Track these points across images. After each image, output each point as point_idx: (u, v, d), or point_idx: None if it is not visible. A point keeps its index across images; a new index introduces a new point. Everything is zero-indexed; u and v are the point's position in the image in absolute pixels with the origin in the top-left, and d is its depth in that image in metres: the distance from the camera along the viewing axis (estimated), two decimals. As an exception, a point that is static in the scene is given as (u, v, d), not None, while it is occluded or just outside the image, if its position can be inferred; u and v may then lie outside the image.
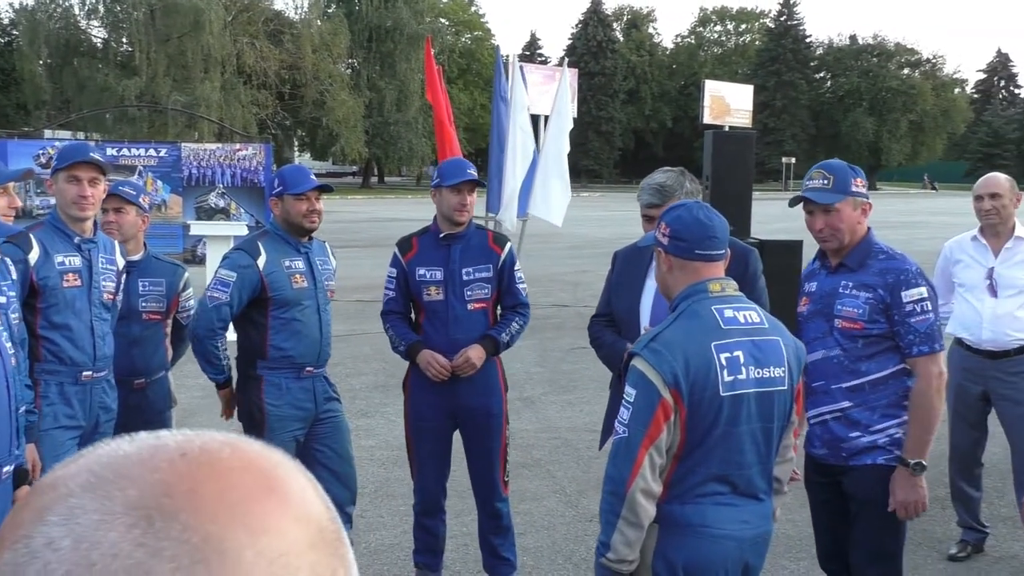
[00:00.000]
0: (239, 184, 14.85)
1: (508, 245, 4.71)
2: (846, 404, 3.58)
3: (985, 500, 5.56)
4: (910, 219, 33.82)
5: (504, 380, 4.72)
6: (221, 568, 0.55)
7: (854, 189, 3.60)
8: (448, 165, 4.68)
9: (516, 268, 4.70)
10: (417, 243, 4.63)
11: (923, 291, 3.52)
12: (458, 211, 4.50)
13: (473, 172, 4.60)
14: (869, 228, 3.68)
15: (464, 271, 4.53)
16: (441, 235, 4.56)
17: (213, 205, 14.86)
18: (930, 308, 3.52)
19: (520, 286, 4.70)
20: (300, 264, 4.46)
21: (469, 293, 4.54)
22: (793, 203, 3.74)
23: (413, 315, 4.69)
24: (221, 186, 14.84)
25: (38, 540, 0.55)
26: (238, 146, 15.53)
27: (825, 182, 3.62)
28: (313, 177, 4.49)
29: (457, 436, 4.70)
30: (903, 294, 3.50)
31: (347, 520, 4.67)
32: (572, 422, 7.76)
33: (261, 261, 4.36)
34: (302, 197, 4.39)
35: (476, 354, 4.47)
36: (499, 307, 4.72)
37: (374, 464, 6.66)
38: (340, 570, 0.63)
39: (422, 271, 4.55)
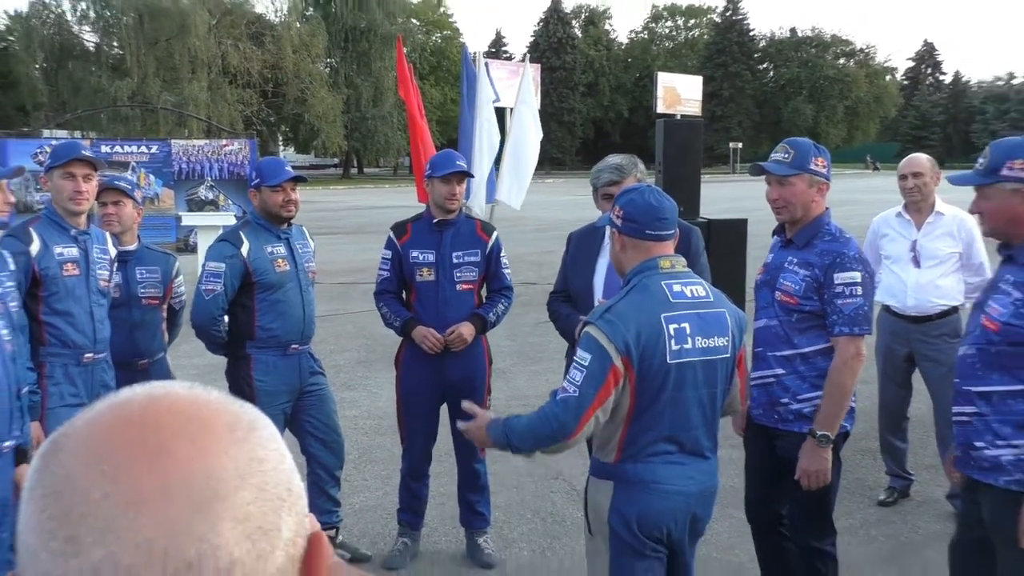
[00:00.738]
0: (226, 177, 14.79)
1: (495, 234, 4.73)
2: (780, 371, 3.52)
3: (910, 451, 5.65)
4: (847, 196, 33.96)
5: (489, 355, 4.77)
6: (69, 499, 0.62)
7: (812, 167, 3.50)
8: (438, 157, 4.67)
9: (502, 255, 4.73)
10: (411, 228, 4.64)
11: (856, 276, 3.39)
12: (448, 200, 4.52)
13: (462, 164, 4.61)
14: (827, 209, 3.58)
15: (454, 255, 4.55)
16: (434, 221, 4.58)
17: (203, 197, 14.79)
18: (860, 293, 3.39)
19: (505, 271, 4.73)
20: (281, 249, 4.47)
21: (458, 275, 4.56)
22: (752, 171, 3.68)
23: (405, 295, 4.69)
24: (210, 179, 14.78)
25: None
26: (225, 142, 15.44)
27: (786, 156, 3.53)
28: (289, 168, 4.48)
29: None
30: (836, 275, 3.39)
31: (336, 483, 4.71)
32: (539, 390, 7.79)
33: (245, 249, 4.36)
34: (278, 188, 4.38)
35: (467, 330, 4.51)
36: (485, 289, 4.73)
37: (358, 432, 6.67)
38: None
39: (415, 253, 4.56)
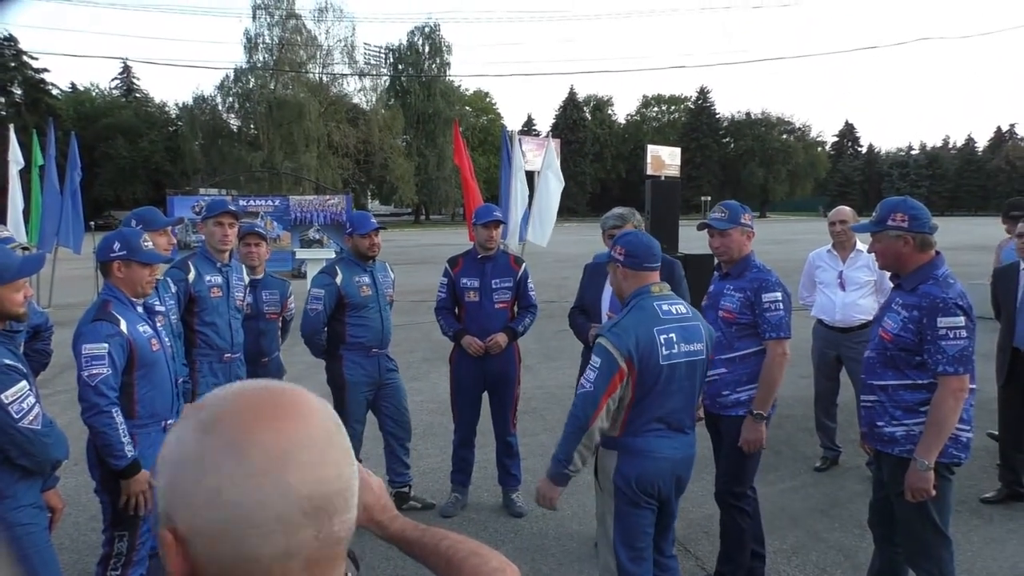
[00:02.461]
0: (329, 223, 14.90)
1: (524, 265, 4.69)
2: (723, 370, 3.49)
3: (839, 429, 5.53)
4: (790, 237, 33.65)
5: (519, 356, 4.73)
6: (238, 457, 0.66)
7: (742, 221, 3.52)
8: (481, 209, 4.64)
9: (529, 281, 4.68)
10: (462, 261, 4.61)
11: (777, 295, 3.39)
12: (487, 241, 4.50)
13: (498, 214, 4.57)
14: (752, 251, 3.58)
15: (494, 281, 4.52)
16: (479, 256, 4.55)
17: (311, 238, 14.91)
18: (782, 308, 3.39)
19: (531, 293, 4.68)
20: (366, 279, 4.46)
21: (496, 296, 4.53)
22: (699, 227, 3.67)
23: (456, 311, 4.67)
24: (317, 225, 14.91)
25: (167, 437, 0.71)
26: (328, 197, 15.58)
27: (722, 214, 3.55)
28: (373, 221, 4.47)
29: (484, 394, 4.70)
30: (763, 296, 3.39)
31: (407, 452, 4.68)
32: (558, 381, 7.74)
33: (339, 279, 4.38)
34: (365, 235, 4.39)
35: (502, 339, 4.49)
36: (516, 306, 4.71)
37: (423, 412, 6.63)
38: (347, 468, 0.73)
39: (465, 280, 4.53)
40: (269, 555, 0.65)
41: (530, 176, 11.31)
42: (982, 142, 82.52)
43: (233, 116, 47.90)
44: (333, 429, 0.72)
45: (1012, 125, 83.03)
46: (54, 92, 51.03)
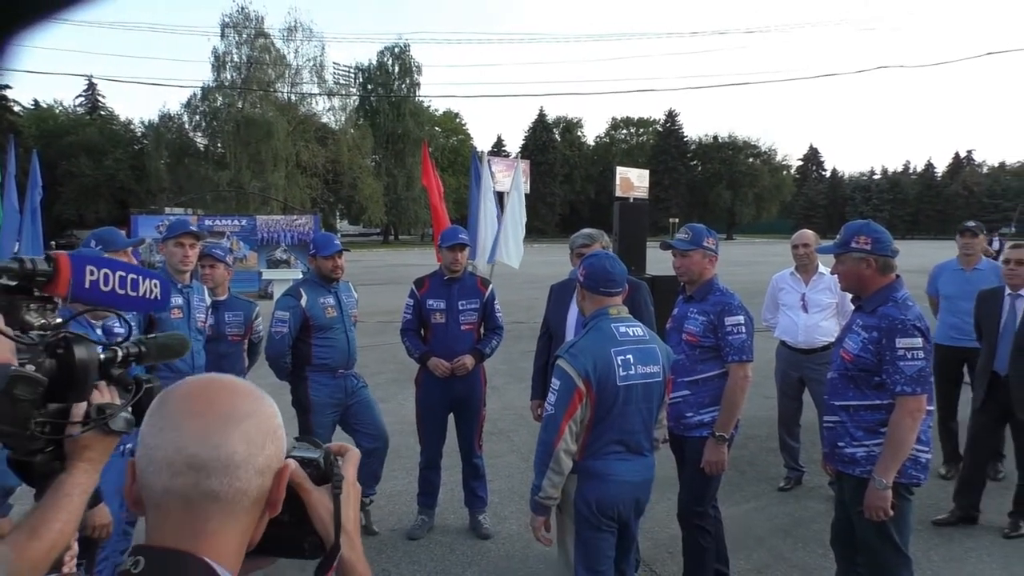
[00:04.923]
0: (296, 243, 14.78)
1: (491, 287, 4.69)
2: (686, 392, 3.50)
3: (802, 449, 5.58)
4: (755, 259, 34.12)
5: (485, 378, 4.72)
6: (158, 416, 0.94)
7: (705, 244, 3.55)
8: (447, 232, 4.64)
9: (496, 302, 4.69)
10: (428, 282, 4.61)
11: (740, 319, 3.42)
12: (452, 264, 4.50)
13: (464, 237, 4.57)
14: (715, 275, 3.60)
15: (460, 303, 4.52)
16: (445, 278, 4.55)
17: (278, 258, 14.78)
18: (744, 331, 3.41)
19: (498, 315, 4.69)
20: (331, 300, 4.45)
21: (463, 318, 4.52)
22: (662, 247, 3.72)
23: (422, 332, 4.66)
24: (284, 245, 14.78)
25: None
26: (296, 217, 15.47)
27: (686, 235, 3.59)
28: (337, 242, 4.46)
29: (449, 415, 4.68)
30: (726, 319, 3.42)
31: (379, 464, 4.60)
32: (525, 402, 7.65)
33: (304, 301, 4.36)
34: (329, 257, 4.38)
35: (469, 361, 4.48)
36: (483, 328, 4.71)
37: (390, 434, 6.51)
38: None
39: (431, 302, 4.52)
40: (158, 487, 0.90)
41: (500, 197, 11.36)
42: (941, 167, 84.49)
43: (200, 135, 47.38)
44: (242, 416, 0.93)
45: (969, 151, 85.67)
46: (16, 109, 50.08)
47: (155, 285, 1.41)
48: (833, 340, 5.14)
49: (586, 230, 4.13)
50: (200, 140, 47.78)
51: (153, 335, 1.47)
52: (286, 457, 0.99)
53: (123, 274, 1.34)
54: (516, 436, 6.69)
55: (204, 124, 46.55)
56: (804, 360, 5.26)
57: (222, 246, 5.48)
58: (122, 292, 1.34)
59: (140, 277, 1.38)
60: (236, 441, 0.92)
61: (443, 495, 4.90)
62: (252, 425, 0.94)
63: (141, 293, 1.37)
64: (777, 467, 5.66)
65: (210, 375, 0.99)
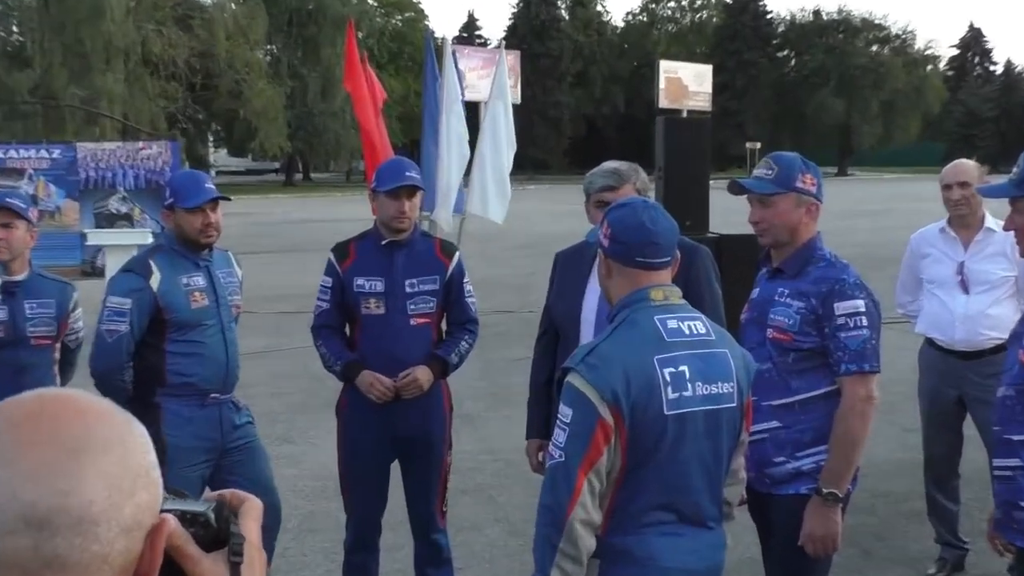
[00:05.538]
0: (143, 186, 14.72)
1: (457, 255, 4.71)
2: (774, 424, 3.53)
3: (964, 513, 5.59)
4: (881, 207, 34.32)
5: (449, 402, 4.75)
6: None
7: (799, 185, 3.56)
8: (385, 168, 4.67)
9: (466, 281, 4.72)
10: (355, 249, 4.60)
11: (859, 304, 3.46)
12: (396, 219, 4.48)
13: (413, 175, 4.56)
14: (818, 234, 3.65)
15: (408, 282, 4.52)
16: (383, 242, 4.54)
17: (114, 211, 14.69)
18: (865, 324, 3.45)
19: (469, 300, 4.72)
20: (199, 280, 4.43)
21: (413, 306, 4.53)
22: (731, 190, 3.74)
23: (348, 330, 4.67)
24: (123, 190, 14.69)
25: None
26: (142, 144, 15.38)
27: (769, 172, 3.60)
28: (209, 186, 4.44)
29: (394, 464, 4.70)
30: (836, 305, 3.45)
31: (271, 545, 4.62)
32: (517, 441, 7.60)
33: (154, 281, 4.33)
34: (195, 210, 4.34)
35: (424, 375, 4.47)
36: (444, 322, 4.73)
37: (297, 496, 6.59)
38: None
39: (361, 281, 4.52)
40: None
41: (474, 110, 11.34)
42: None
43: (-17, 12, 46.94)
44: (100, 447, 1.00)
45: None
46: None
47: None
48: (1007, 337, 5.17)
49: (610, 164, 4.12)
50: (-16, 21, 47.28)
51: None
52: (162, 510, 1.05)
53: None
54: (503, 495, 6.71)
55: (-11, -5, 46.08)
56: (964, 369, 5.28)
57: (20, 193, 5.41)
58: None
59: None
60: (93, 485, 0.97)
61: (384, 593, 4.88)
62: (115, 462, 1.00)
63: None
64: (923, 543, 5.68)
65: (43, 390, 1.05)
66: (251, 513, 1.18)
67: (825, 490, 3.42)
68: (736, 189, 3.69)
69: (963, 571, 5.42)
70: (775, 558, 3.60)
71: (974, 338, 5.21)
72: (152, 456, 1.06)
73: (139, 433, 1.06)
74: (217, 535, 1.11)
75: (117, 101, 40.47)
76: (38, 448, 0.97)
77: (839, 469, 3.43)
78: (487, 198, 10.33)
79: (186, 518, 1.09)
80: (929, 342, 5.45)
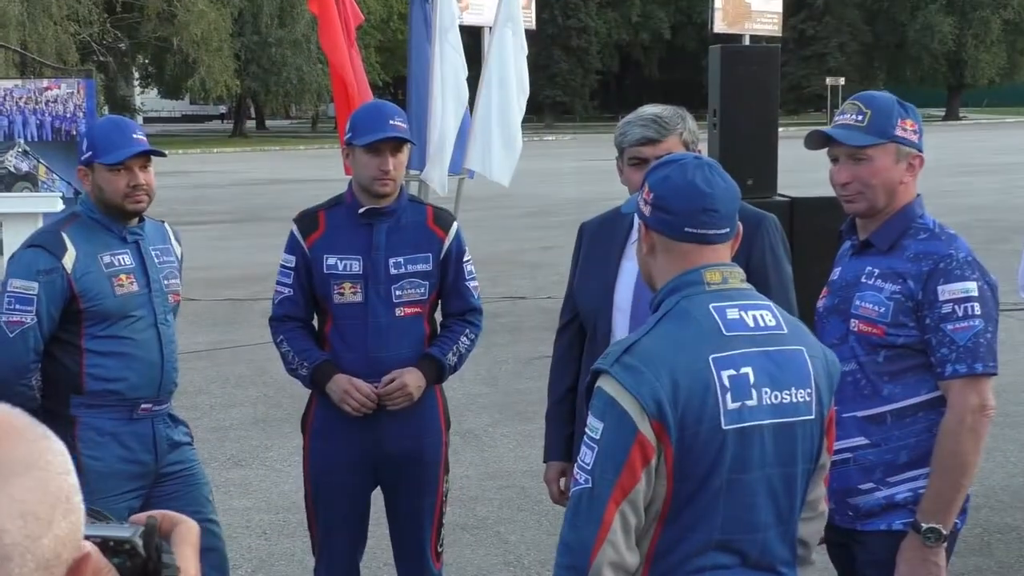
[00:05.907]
0: (49, 138, 14.72)
1: (455, 227, 4.72)
2: (860, 440, 3.55)
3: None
4: (1005, 160, 34.14)
5: (446, 415, 4.77)
6: None
7: (899, 133, 3.54)
8: (362, 115, 4.67)
9: (466, 259, 4.73)
10: (325, 220, 4.62)
11: (970, 287, 3.44)
12: (379, 180, 4.46)
13: (398, 123, 4.52)
14: (919, 195, 3.64)
15: (392, 261, 4.54)
16: (360, 210, 4.54)
17: (13, 169, 14.71)
18: (978, 312, 3.43)
19: (471, 284, 4.74)
20: (126, 259, 4.46)
21: (399, 292, 4.55)
22: (811, 143, 3.73)
23: (317, 323, 4.70)
24: (22, 141, 14.71)
25: None
26: (47, 83, 15.38)
27: (860, 118, 3.57)
28: (137, 137, 4.46)
29: (376, 492, 4.74)
30: (940, 289, 3.43)
31: None
32: (531, 464, 7.72)
33: (68, 260, 4.35)
34: (119, 168, 4.37)
35: (414, 381, 4.49)
36: (439, 312, 4.76)
37: (251, 534, 6.64)
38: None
39: (333, 260, 4.53)
40: None
41: (476, 37, 11.33)
42: None
43: None
44: (14, 469, 1.06)
45: None
46: None
47: None
48: None
49: (650, 108, 4.09)
50: None
51: None
52: (84, 538, 1.10)
53: None
54: (513, 532, 6.75)
55: None
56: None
57: None
58: None
59: None
60: (5, 514, 1.03)
61: (364, 657, 4.95)
62: (31, 487, 1.05)
63: None
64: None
65: None
66: (187, 538, 1.24)
67: (925, 525, 3.42)
68: (819, 141, 3.66)
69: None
70: None
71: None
72: (73, 479, 1.11)
73: (58, 451, 1.11)
74: (145, 566, 1.16)
75: (12, 26, 40.48)
76: None
77: (944, 498, 3.43)
78: (490, 153, 10.36)
79: (108, 546, 1.14)
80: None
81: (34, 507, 1.05)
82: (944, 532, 3.43)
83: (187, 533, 1.25)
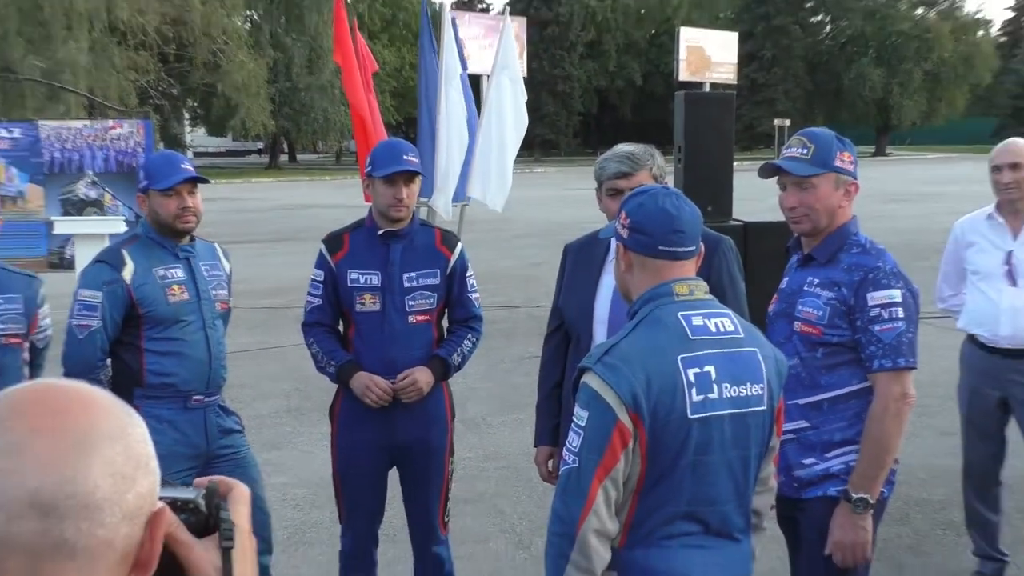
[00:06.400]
0: (114, 169, 14.68)
1: (459, 247, 4.73)
2: (802, 424, 3.57)
3: (1006, 523, 5.64)
4: (923, 191, 34.16)
5: (451, 407, 4.78)
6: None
7: (838, 164, 3.57)
8: (380, 151, 4.65)
9: (469, 274, 4.74)
10: (349, 241, 4.62)
11: (895, 294, 3.46)
12: (393, 207, 4.48)
13: (411, 158, 4.53)
14: (854, 216, 3.66)
15: (406, 276, 4.55)
16: (379, 232, 4.56)
17: (82, 197, 14.66)
18: (901, 315, 3.46)
19: (473, 295, 4.75)
20: (179, 272, 4.49)
21: (411, 303, 4.56)
22: (763, 173, 3.73)
23: (342, 328, 4.70)
24: (91, 173, 14.67)
25: None
26: (112, 123, 15.35)
27: (804, 151, 3.59)
28: (185, 167, 4.49)
29: (392, 471, 4.75)
30: (869, 295, 3.46)
31: (263, 572, 4.69)
32: (524, 446, 7.67)
33: (127, 273, 4.39)
34: (170, 193, 4.40)
35: (424, 378, 4.51)
36: (446, 319, 4.77)
37: (287, 506, 6.66)
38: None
39: (355, 275, 4.55)
40: None
41: (476, 84, 11.34)
42: None
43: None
44: (105, 436, 1.12)
45: None
46: None
47: None
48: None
49: (624, 147, 4.10)
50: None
51: None
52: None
53: None
54: (509, 505, 6.78)
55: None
56: (1009, 369, 5.30)
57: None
58: None
59: None
60: (98, 472, 1.10)
61: (382, 610, 4.96)
62: (119, 450, 1.12)
63: None
64: (961, 556, 5.73)
65: (45, 380, 1.18)
66: (240, 499, 1.30)
67: (855, 495, 3.45)
68: (770, 171, 3.68)
69: (1005, 585, 5.48)
70: (803, 569, 3.63)
71: (1021, 334, 5.21)
72: (150, 447, 1.18)
73: (138, 424, 1.18)
74: (207, 521, 1.24)
75: (81, 74, 40.30)
76: (45, 439, 1.08)
77: (870, 472, 3.46)
78: (488, 183, 10.37)
79: (176, 505, 1.21)
80: (971, 339, 5.47)
81: (121, 468, 1.11)
82: (871, 501, 3.46)
83: (241, 495, 1.30)
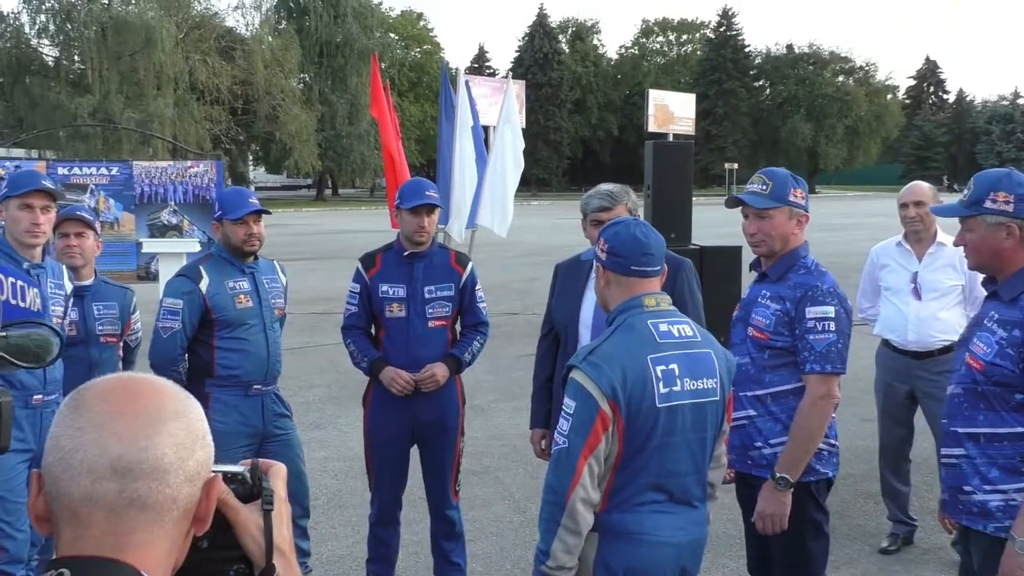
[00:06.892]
0: (191, 201, 14.70)
1: (470, 265, 4.72)
2: (752, 412, 3.53)
3: (914, 494, 5.64)
4: (845, 222, 34.25)
5: (462, 395, 4.75)
6: (75, 416, 1.15)
7: (791, 199, 3.53)
8: (407, 188, 4.64)
9: (478, 288, 4.73)
10: (381, 260, 4.62)
11: (829, 310, 3.41)
12: (417, 233, 4.50)
13: (432, 194, 4.55)
14: (805, 242, 3.61)
15: (426, 289, 4.54)
16: (405, 253, 4.56)
17: (165, 222, 14.68)
18: (832, 329, 3.40)
19: (481, 305, 4.73)
20: (245, 284, 4.48)
21: (430, 310, 4.55)
22: (729, 204, 3.69)
23: (373, 330, 4.68)
24: (173, 203, 14.68)
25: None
26: (190, 163, 15.37)
27: (763, 187, 3.55)
28: (252, 201, 4.49)
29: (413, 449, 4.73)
30: (807, 310, 3.41)
31: (302, 533, 4.67)
32: (521, 429, 7.70)
33: (204, 284, 4.39)
34: (240, 221, 4.40)
35: (441, 371, 4.50)
36: (459, 324, 4.74)
37: (327, 475, 6.63)
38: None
39: (385, 288, 4.54)
40: (76, 495, 1.12)
41: (484, 134, 11.34)
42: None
43: (48, 43, 46.93)
44: (170, 416, 1.18)
45: None
46: None
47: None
48: (956, 339, 5.19)
49: (605, 186, 4.12)
50: (48, 51, 47.32)
51: (3, 332, 1.56)
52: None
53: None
54: (509, 476, 6.74)
55: (53, 28, 46.08)
56: (915, 367, 5.30)
57: (85, 207, 5.46)
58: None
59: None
60: (165, 443, 1.15)
61: (403, 560, 4.93)
62: (181, 427, 1.18)
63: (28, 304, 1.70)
64: (878, 520, 5.72)
65: (123, 373, 1.27)
66: (279, 475, 1.35)
67: (779, 475, 3.41)
68: (733, 203, 3.62)
69: (912, 545, 5.44)
70: (755, 534, 3.58)
71: (925, 340, 5.24)
72: (206, 425, 1.23)
73: (196, 406, 1.24)
74: (251, 491, 1.29)
75: (167, 124, 40.52)
76: (124, 416, 1.14)
77: (794, 458, 3.41)
78: (493, 213, 10.37)
79: (227, 477, 1.27)
80: (885, 343, 5.47)
81: (183, 440, 1.16)
82: (791, 481, 3.42)
83: (279, 471, 1.35)
